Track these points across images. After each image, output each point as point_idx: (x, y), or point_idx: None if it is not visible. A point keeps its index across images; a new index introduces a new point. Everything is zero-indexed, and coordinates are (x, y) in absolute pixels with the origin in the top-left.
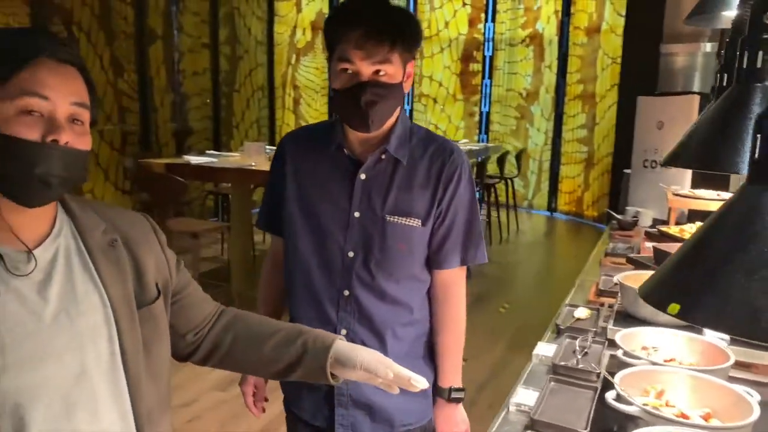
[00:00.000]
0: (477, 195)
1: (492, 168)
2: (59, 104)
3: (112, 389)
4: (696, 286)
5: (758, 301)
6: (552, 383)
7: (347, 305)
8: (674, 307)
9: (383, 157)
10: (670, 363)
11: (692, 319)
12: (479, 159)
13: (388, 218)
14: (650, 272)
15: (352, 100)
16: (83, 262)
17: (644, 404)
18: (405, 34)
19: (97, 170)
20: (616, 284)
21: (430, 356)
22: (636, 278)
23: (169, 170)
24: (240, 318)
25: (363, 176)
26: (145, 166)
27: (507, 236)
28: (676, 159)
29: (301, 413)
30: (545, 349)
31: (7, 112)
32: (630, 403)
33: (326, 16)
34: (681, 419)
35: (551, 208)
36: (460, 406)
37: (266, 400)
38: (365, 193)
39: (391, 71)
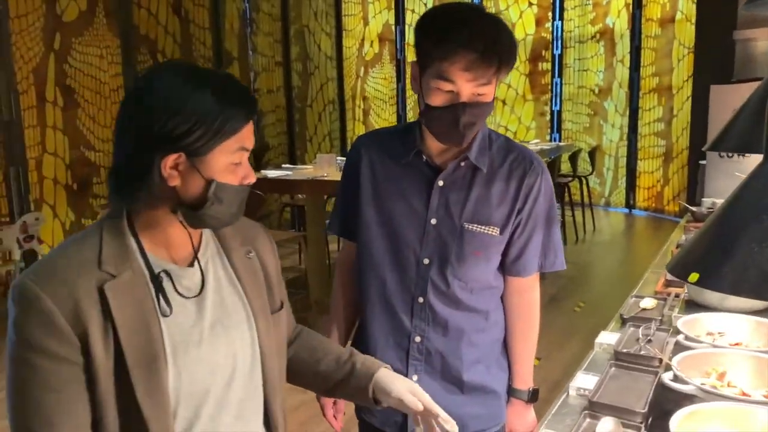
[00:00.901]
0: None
1: (565, 167)
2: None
3: (251, 391)
4: (714, 256)
5: None
6: (613, 369)
7: (421, 312)
8: (694, 276)
9: (463, 164)
10: (735, 347)
11: (710, 285)
12: (551, 158)
13: (466, 226)
14: None
15: (450, 119)
16: (228, 277)
17: (702, 384)
18: (511, 58)
19: None
20: None
21: (504, 359)
22: None
23: None
24: (304, 335)
25: (441, 183)
26: None
27: (583, 236)
28: (719, 143)
29: (372, 420)
30: (608, 338)
31: (223, 162)
32: (686, 383)
33: (419, 19)
34: (739, 396)
35: (629, 204)
36: (532, 406)
37: (344, 413)
38: (443, 199)
39: (490, 91)
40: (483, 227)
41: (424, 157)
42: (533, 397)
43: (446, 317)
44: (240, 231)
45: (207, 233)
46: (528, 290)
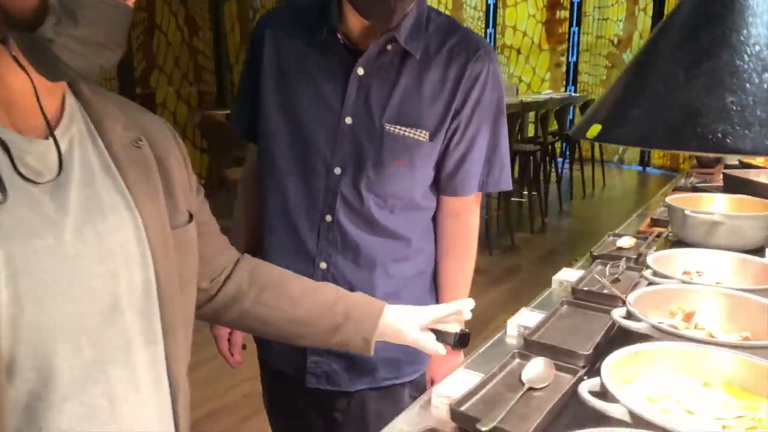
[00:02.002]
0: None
1: (577, 121)
2: None
3: (145, 329)
4: (624, 99)
5: (698, 101)
6: (565, 307)
7: (329, 234)
8: (594, 129)
9: (389, 47)
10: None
11: (613, 136)
12: (559, 107)
13: (387, 128)
14: (708, 194)
15: None
16: (104, 166)
17: (660, 322)
18: None
19: (175, 129)
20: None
21: (431, 296)
22: (689, 200)
23: (228, 119)
24: (265, 270)
25: (361, 70)
26: (209, 116)
27: (591, 191)
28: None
29: (271, 360)
30: (569, 275)
31: None
32: (639, 320)
33: None
34: (699, 337)
35: (644, 162)
36: (461, 351)
37: (244, 347)
38: (362, 93)
39: None
40: (409, 130)
41: (341, 36)
42: (462, 341)
43: (358, 241)
44: (127, 113)
45: (73, 104)
46: (465, 213)
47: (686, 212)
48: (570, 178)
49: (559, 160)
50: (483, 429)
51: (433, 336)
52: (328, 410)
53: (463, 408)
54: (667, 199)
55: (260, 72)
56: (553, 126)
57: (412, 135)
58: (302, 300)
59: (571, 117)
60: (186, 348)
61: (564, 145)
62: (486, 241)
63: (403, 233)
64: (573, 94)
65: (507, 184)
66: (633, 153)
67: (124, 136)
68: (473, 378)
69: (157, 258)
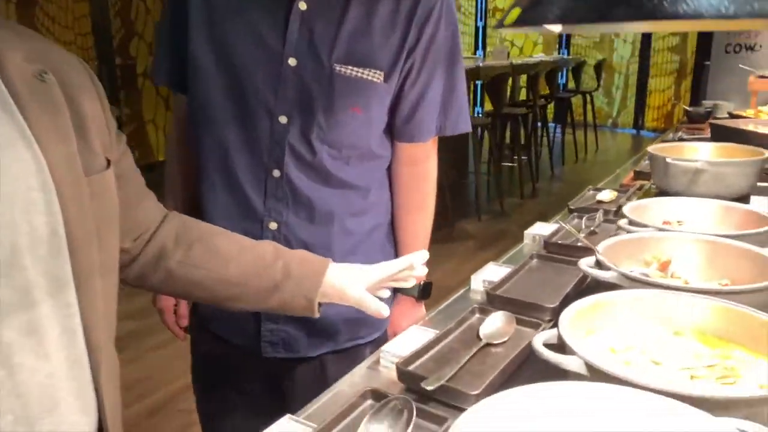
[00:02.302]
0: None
1: (570, 85)
2: None
3: (53, 290)
4: None
5: None
6: (534, 260)
7: (278, 190)
8: (514, 14)
9: None
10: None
11: (531, 18)
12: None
13: (338, 69)
14: (693, 143)
15: None
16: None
17: (631, 271)
18: None
19: (158, 99)
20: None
21: (390, 246)
22: (672, 149)
23: None
24: (194, 227)
25: (303, 4)
26: None
27: (584, 155)
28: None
29: (218, 329)
30: (542, 229)
31: None
32: (608, 269)
33: None
34: (671, 284)
35: (638, 125)
36: (423, 304)
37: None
38: (306, 30)
39: None
40: (361, 70)
41: None
42: (425, 292)
43: (311, 196)
44: (30, 44)
45: None
46: (423, 160)
47: (668, 160)
48: (562, 142)
49: (551, 125)
50: (428, 388)
51: (376, 298)
52: (284, 379)
53: (411, 367)
54: (649, 149)
55: (186, 7)
56: (545, 90)
57: (365, 76)
58: (235, 258)
59: (563, 81)
60: (108, 313)
61: (555, 108)
62: (475, 207)
63: (360, 184)
64: (565, 56)
65: (466, 126)
66: (627, 116)
67: (25, 68)
68: (428, 336)
69: (66, 207)
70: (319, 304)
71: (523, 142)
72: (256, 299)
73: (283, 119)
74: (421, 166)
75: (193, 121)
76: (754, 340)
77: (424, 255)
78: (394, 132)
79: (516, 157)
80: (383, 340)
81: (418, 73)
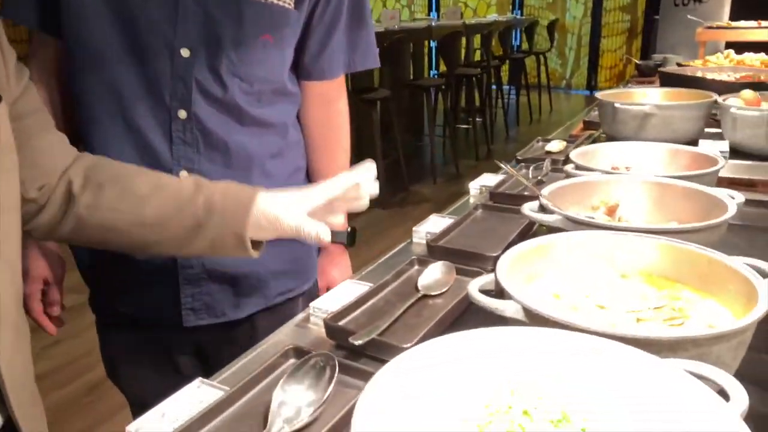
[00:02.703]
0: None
1: (524, 47)
2: None
3: None
4: None
5: None
6: (479, 211)
7: (186, 133)
8: None
9: None
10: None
11: None
12: (503, 29)
13: None
14: (642, 89)
15: None
16: None
17: (577, 214)
18: None
19: None
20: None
21: None
22: (621, 95)
23: None
24: (105, 166)
25: None
26: None
27: (538, 117)
28: None
29: (128, 307)
30: (488, 180)
31: None
32: (552, 212)
33: None
34: (616, 224)
35: (591, 86)
36: (347, 252)
37: (63, 307)
38: None
39: None
40: None
41: None
42: (352, 239)
43: (225, 138)
44: None
45: None
46: (336, 98)
47: (617, 105)
48: (516, 104)
49: (506, 87)
50: (356, 343)
51: (314, 221)
52: (212, 350)
53: (341, 322)
54: (598, 95)
55: None
56: (499, 51)
57: (276, 1)
58: (151, 197)
59: (517, 42)
60: (12, 273)
61: (510, 70)
62: (431, 169)
63: (276, 122)
64: (518, 16)
65: (374, 62)
66: (580, 77)
67: None
68: (362, 290)
69: None
70: (259, 243)
71: (477, 104)
72: (180, 242)
73: (185, 52)
74: (335, 105)
75: (73, 66)
76: (702, 279)
77: (371, 166)
78: (303, 71)
79: (471, 120)
80: (315, 292)
81: (325, 6)
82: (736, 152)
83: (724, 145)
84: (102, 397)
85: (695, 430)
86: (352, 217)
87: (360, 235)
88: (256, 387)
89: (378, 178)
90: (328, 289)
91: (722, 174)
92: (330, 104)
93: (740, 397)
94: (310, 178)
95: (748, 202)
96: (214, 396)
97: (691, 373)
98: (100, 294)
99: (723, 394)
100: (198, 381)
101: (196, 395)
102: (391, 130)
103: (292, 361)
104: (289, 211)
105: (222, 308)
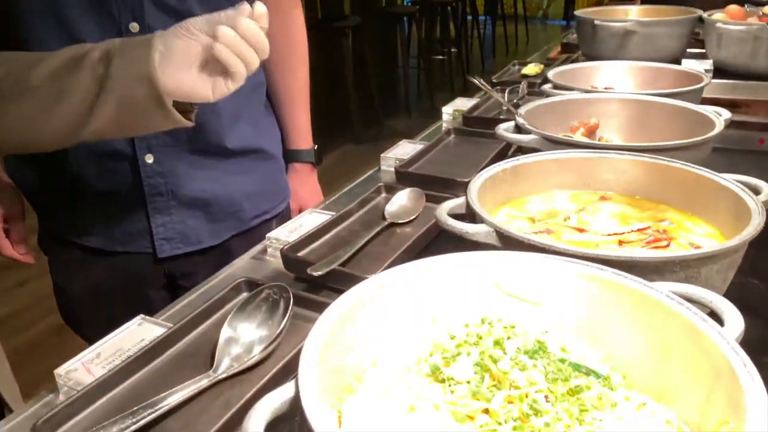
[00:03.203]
0: None
1: None
2: None
3: None
4: None
5: None
6: (452, 136)
7: None
8: None
9: None
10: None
11: None
12: None
13: None
14: (622, 6)
15: None
16: None
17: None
18: None
19: None
20: None
21: (269, 112)
22: (601, 12)
23: None
24: None
25: None
26: None
27: (515, 48)
28: None
29: (95, 240)
30: (462, 104)
31: None
32: (528, 132)
33: None
34: (593, 142)
35: (568, 16)
36: (316, 171)
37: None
38: None
39: None
40: None
41: None
42: (319, 157)
43: None
44: None
45: None
46: (291, 7)
47: (596, 23)
48: (492, 35)
49: (481, 17)
50: (314, 274)
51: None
52: (188, 279)
53: (300, 253)
54: (577, 12)
55: None
56: None
57: None
58: (37, 66)
59: None
60: None
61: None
62: (405, 103)
63: None
64: None
65: None
66: (557, 8)
67: None
68: (323, 219)
69: None
70: (191, 110)
71: (452, 35)
72: (81, 110)
73: None
74: (290, 16)
75: None
76: (688, 199)
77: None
78: None
79: (446, 51)
80: (288, 215)
81: None
82: (719, 72)
83: (708, 64)
84: (71, 337)
85: (687, 358)
86: (324, 147)
87: (332, 170)
88: (203, 323)
89: (351, 111)
90: (300, 212)
91: (705, 95)
92: (286, 15)
93: (735, 320)
94: (271, 98)
95: (731, 124)
96: (156, 334)
97: (681, 296)
98: (61, 229)
99: (715, 317)
100: (139, 318)
101: (137, 333)
102: (363, 62)
103: (244, 295)
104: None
105: (197, 235)
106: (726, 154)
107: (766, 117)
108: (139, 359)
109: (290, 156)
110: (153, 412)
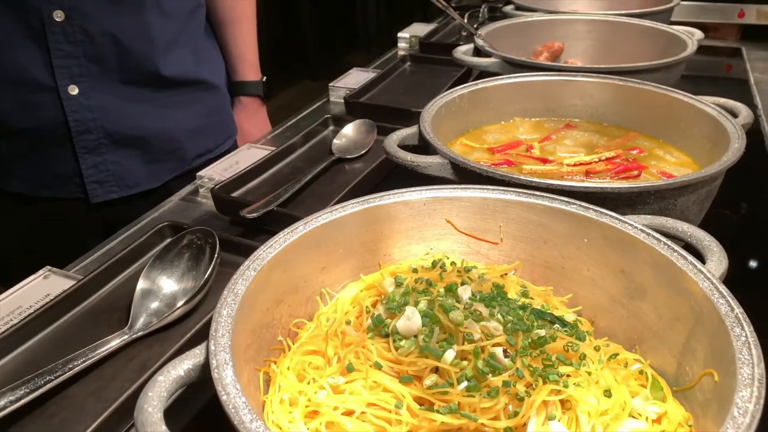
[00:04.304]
0: None
1: None
2: None
3: None
4: None
5: None
6: (407, 63)
7: None
8: None
9: None
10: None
11: None
12: None
13: None
14: None
15: None
16: None
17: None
18: None
19: None
20: None
21: (212, 39)
22: None
23: None
24: None
25: None
26: None
27: None
28: None
29: (7, 181)
30: (418, 29)
31: None
32: (489, 54)
33: None
34: (557, 65)
35: None
36: (265, 106)
37: None
38: None
39: None
40: None
41: None
42: (268, 90)
43: None
44: None
45: None
46: None
47: None
48: None
49: None
50: (249, 216)
51: None
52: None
53: (234, 193)
54: None
55: None
56: None
57: None
58: None
59: None
60: None
61: None
62: (365, 37)
63: None
64: None
65: None
66: None
67: None
68: (262, 154)
69: None
70: None
71: None
72: None
73: None
74: None
75: None
76: (660, 124)
77: None
78: None
79: None
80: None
81: None
82: None
83: None
84: None
85: (664, 300)
86: (276, 84)
87: (287, 107)
88: (120, 275)
89: (307, 43)
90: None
91: (672, 18)
92: None
93: (718, 256)
94: (212, 22)
95: (699, 49)
96: (64, 287)
97: (656, 229)
98: None
99: (694, 253)
100: (45, 269)
101: (42, 287)
102: None
103: (169, 240)
104: None
105: (134, 178)
106: (694, 81)
107: (735, 41)
108: (42, 317)
109: (236, 88)
110: (52, 380)
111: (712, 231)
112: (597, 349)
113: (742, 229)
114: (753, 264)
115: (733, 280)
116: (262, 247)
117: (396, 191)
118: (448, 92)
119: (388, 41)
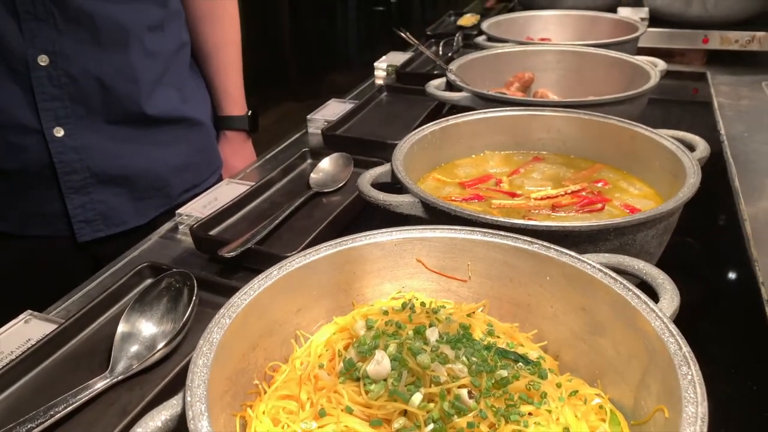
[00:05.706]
0: None
1: None
2: None
3: None
4: None
5: None
6: (384, 94)
7: (35, 6)
8: None
9: None
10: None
11: None
12: None
13: None
14: None
15: None
16: None
17: (488, 91)
18: None
19: None
20: None
21: (197, 75)
22: None
23: None
24: None
25: None
26: None
27: None
28: None
29: (5, 225)
30: (396, 58)
31: None
32: (460, 89)
33: None
34: (528, 100)
35: None
36: (251, 139)
37: None
38: None
39: None
40: None
41: None
42: (254, 123)
43: (89, 8)
44: None
45: None
46: None
47: None
48: None
49: None
50: (227, 256)
51: None
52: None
53: (212, 231)
54: None
55: None
56: None
57: None
58: None
59: None
60: None
61: None
62: (344, 56)
63: None
64: None
65: None
66: None
67: None
68: (241, 190)
69: None
70: None
71: None
72: None
73: None
74: None
75: None
76: (624, 157)
77: None
78: None
79: (385, 1)
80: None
81: None
82: (655, 20)
83: (644, 12)
84: None
85: (621, 337)
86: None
87: (270, 129)
88: (100, 318)
89: (288, 66)
90: None
91: (641, 44)
92: None
93: (670, 294)
94: (197, 57)
95: (667, 74)
96: (45, 332)
97: (612, 268)
98: None
99: (647, 287)
100: (26, 314)
101: (23, 332)
102: (300, 13)
103: (149, 281)
104: None
105: (120, 216)
106: (662, 105)
107: (701, 66)
108: (23, 363)
109: (222, 123)
110: (34, 427)
111: (673, 261)
112: (559, 385)
113: (704, 256)
114: (713, 288)
115: (698, 304)
116: (237, 294)
117: (368, 233)
118: (420, 129)
119: (367, 59)
